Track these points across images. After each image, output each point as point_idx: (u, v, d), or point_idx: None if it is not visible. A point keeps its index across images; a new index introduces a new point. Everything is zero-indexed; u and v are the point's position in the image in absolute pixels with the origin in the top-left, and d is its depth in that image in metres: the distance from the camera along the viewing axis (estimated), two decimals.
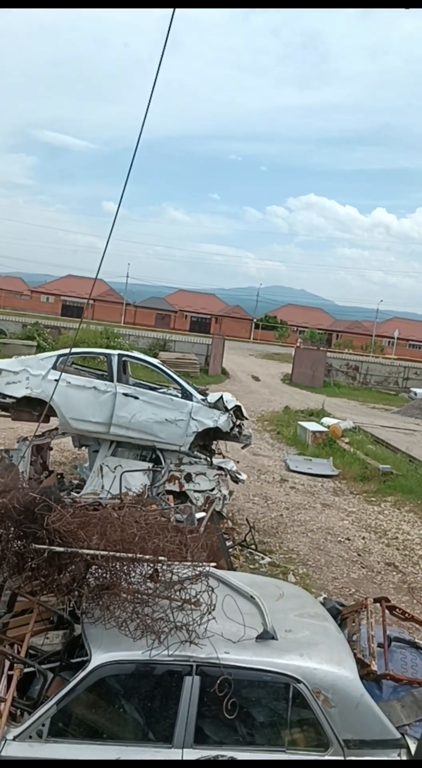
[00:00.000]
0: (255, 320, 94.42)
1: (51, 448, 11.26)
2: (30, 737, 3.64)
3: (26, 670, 4.00)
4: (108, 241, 5.43)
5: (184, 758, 3.67)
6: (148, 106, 4.66)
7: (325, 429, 18.82)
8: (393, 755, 3.91)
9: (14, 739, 3.61)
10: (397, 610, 5.46)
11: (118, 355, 10.46)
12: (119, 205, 5.17)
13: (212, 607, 3.98)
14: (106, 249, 5.66)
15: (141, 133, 4.94)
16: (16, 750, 3.55)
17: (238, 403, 10.29)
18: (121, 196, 5.18)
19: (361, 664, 4.32)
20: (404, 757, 3.88)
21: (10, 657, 4.00)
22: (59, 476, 10.31)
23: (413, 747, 3.87)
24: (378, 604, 5.28)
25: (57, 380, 8.38)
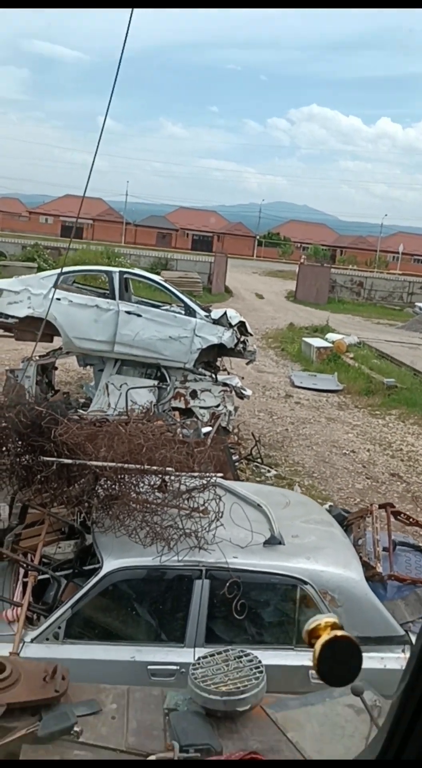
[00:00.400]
0: (258, 237, 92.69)
1: (56, 368, 11.27)
2: (47, 639, 3.76)
3: (40, 577, 4.11)
4: (94, 158, 5.27)
5: (196, 656, 3.80)
6: (130, 16, 4.43)
7: (330, 345, 18.77)
8: (397, 651, 4.04)
9: (32, 641, 3.74)
10: (402, 515, 5.56)
11: (120, 272, 10.30)
12: (105, 117, 5.01)
13: (220, 515, 4.04)
14: (93, 166, 5.50)
15: (125, 42, 4.71)
16: (34, 651, 3.68)
17: (242, 319, 10.19)
18: (107, 110, 5.01)
19: (367, 567, 4.42)
20: (407, 654, 4.01)
21: (25, 565, 4.11)
22: (65, 395, 10.36)
23: None
24: (383, 510, 5.37)
25: (54, 297, 8.26)
